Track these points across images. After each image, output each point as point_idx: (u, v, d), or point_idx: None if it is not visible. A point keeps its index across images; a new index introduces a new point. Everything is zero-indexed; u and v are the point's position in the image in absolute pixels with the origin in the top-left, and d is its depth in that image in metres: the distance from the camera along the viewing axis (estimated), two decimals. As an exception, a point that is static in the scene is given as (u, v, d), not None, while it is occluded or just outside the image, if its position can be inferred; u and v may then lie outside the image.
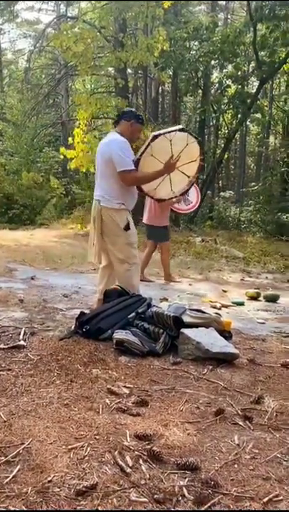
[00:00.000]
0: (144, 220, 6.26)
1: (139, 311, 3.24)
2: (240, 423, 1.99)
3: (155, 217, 6.01)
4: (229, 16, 20.36)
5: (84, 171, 13.58)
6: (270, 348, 3.23)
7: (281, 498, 1.46)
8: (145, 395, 2.26)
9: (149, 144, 3.49)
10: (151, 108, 17.06)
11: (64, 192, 17.11)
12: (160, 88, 19.08)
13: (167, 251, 6.35)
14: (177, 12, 15.73)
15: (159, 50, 11.21)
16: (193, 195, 6.50)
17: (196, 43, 14.85)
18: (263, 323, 4.20)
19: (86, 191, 17.23)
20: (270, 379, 2.60)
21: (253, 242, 12.42)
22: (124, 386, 2.37)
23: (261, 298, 5.37)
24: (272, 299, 5.27)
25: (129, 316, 3.18)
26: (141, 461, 1.66)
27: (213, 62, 14.62)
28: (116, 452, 1.69)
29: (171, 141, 3.53)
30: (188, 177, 3.85)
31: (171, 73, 15.41)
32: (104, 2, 11.92)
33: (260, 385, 2.50)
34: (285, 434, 1.90)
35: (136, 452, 1.71)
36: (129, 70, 16.11)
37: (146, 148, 3.52)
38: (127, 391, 2.31)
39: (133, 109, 3.90)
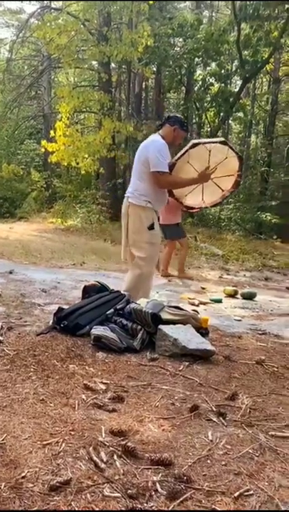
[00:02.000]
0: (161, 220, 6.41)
1: (118, 307, 3.25)
2: (214, 419, 2.03)
3: (167, 215, 6.08)
4: (214, 14, 20.40)
5: (65, 164, 13.49)
6: (245, 345, 3.28)
7: (252, 492, 1.50)
8: (121, 391, 2.28)
9: (187, 151, 3.51)
10: (134, 103, 17.00)
11: (45, 185, 16.95)
12: (144, 83, 19.01)
13: (187, 245, 6.54)
14: (162, 8, 15.69)
15: (144, 45, 11.20)
16: None
17: (181, 40, 14.86)
18: (240, 320, 4.26)
19: (67, 185, 17.13)
20: (245, 376, 2.65)
21: (233, 240, 12.57)
22: (101, 382, 2.38)
23: (238, 295, 5.45)
24: (249, 297, 5.36)
25: (107, 312, 3.19)
26: (115, 457, 1.67)
27: (196, 59, 14.65)
28: (91, 448, 1.70)
29: (210, 151, 3.53)
30: (223, 190, 3.83)
31: (155, 69, 15.39)
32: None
33: (234, 381, 2.54)
34: (257, 430, 1.94)
35: (111, 448, 1.72)
36: (112, 65, 15.99)
37: (183, 154, 3.53)
38: (103, 387, 2.32)
39: (179, 115, 3.92)
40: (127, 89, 16.19)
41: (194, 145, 3.49)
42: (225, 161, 3.58)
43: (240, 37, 12.59)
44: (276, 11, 12.06)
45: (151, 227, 3.58)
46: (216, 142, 3.58)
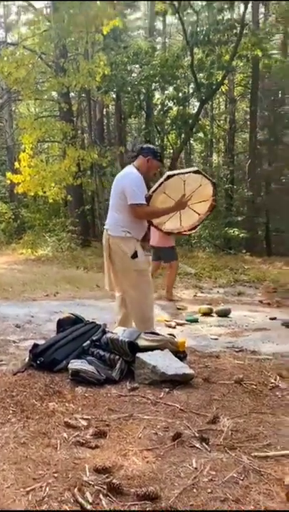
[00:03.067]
0: (151, 242, 6.43)
1: (94, 338, 3.24)
2: (198, 445, 2.04)
3: (161, 239, 6.13)
4: (167, 41, 21.09)
5: (32, 194, 13.48)
6: (223, 365, 3.31)
7: (238, 518, 1.51)
8: (103, 425, 2.26)
9: (162, 183, 3.59)
10: (96, 130, 17.23)
11: (13, 216, 16.83)
12: (104, 110, 19.33)
13: (175, 270, 6.64)
14: (116, 37, 16.11)
15: (101, 74, 11.43)
16: None
17: (137, 66, 15.26)
18: (216, 339, 4.31)
19: (35, 214, 17.06)
20: (225, 397, 2.67)
21: (204, 257, 12.75)
22: (82, 418, 2.35)
23: (214, 313, 5.51)
24: (224, 314, 5.43)
25: (84, 345, 3.17)
26: (101, 496, 1.65)
27: (154, 84, 15.04)
28: (75, 489, 1.68)
29: (184, 181, 3.63)
30: (199, 214, 3.94)
31: (114, 96, 15.70)
32: (43, 29, 12.01)
33: (215, 403, 2.56)
34: (240, 453, 1.96)
35: (96, 487, 1.71)
36: (72, 94, 16.23)
37: (159, 186, 3.61)
38: (84, 423, 2.29)
39: (152, 146, 3.99)
40: (88, 117, 16.41)
41: (169, 177, 3.59)
42: (199, 188, 3.70)
43: (194, 61, 13.02)
44: (226, 36, 12.58)
45: (134, 256, 3.61)
46: (189, 172, 3.70)
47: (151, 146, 3.99)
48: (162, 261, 6.61)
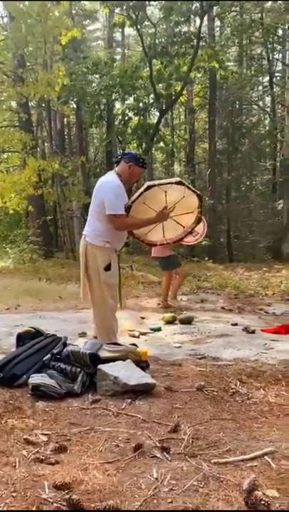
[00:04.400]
0: (152, 253, 6.50)
1: (55, 351, 3.19)
2: (159, 455, 2.04)
3: (156, 248, 6.12)
4: (126, 52, 21.31)
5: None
6: (186, 373, 3.34)
7: (198, 526, 1.52)
8: (64, 440, 2.22)
9: (141, 193, 3.47)
10: (57, 140, 17.12)
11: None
12: (65, 120, 19.26)
13: (169, 279, 6.61)
14: (76, 48, 16.15)
15: (60, 84, 11.41)
16: (200, 227, 6.40)
17: (97, 77, 15.34)
18: (180, 346, 4.33)
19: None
20: (186, 404, 2.69)
21: (167, 265, 12.81)
22: (42, 433, 2.31)
23: (177, 321, 5.54)
24: (187, 321, 5.46)
25: (44, 359, 3.12)
26: (60, 513, 1.62)
27: (114, 95, 15.17)
28: (34, 508, 1.64)
29: (166, 192, 3.52)
30: (184, 227, 3.81)
31: (74, 106, 15.68)
32: (0, 38, 11.89)
33: (176, 412, 2.57)
34: (200, 460, 1.98)
35: (55, 504, 1.67)
36: (31, 104, 16.09)
37: (138, 196, 3.48)
38: (45, 438, 2.25)
39: (134, 152, 3.82)
40: (49, 127, 16.30)
41: (149, 187, 3.48)
42: (183, 199, 3.60)
43: (153, 72, 13.24)
44: (183, 48, 12.87)
45: (107, 268, 3.54)
46: (171, 183, 3.57)
47: (133, 151, 3.86)
48: (172, 270, 6.59)
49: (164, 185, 3.54)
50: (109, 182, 3.58)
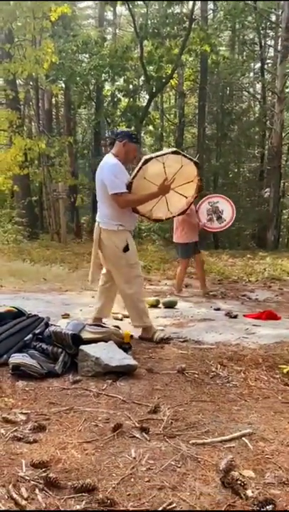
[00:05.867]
0: (174, 239, 6.36)
1: (36, 331, 3.16)
2: (138, 435, 2.04)
3: (178, 235, 6.11)
4: (117, 31, 20.90)
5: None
6: (167, 355, 3.35)
7: (174, 505, 1.53)
8: (43, 419, 2.22)
9: (140, 168, 3.48)
10: (44, 120, 16.82)
11: None
12: (53, 100, 18.91)
13: (185, 267, 6.41)
14: (66, 25, 15.77)
15: (49, 62, 11.14)
16: (228, 213, 6.30)
17: (87, 56, 15.03)
18: (162, 329, 4.33)
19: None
20: (167, 386, 2.70)
21: (153, 250, 12.83)
22: (21, 412, 2.29)
23: (161, 305, 5.55)
24: (171, 305, 5.48)
25: (25, 338, 3.09)
26: (37, 491, 1.62)
27: (104, 75, 14.89)
28: (10, 486, 1.63)
29: (164, 163, 3.52)
30: (186, 197, 3.85)
31: (63, 85, 15.38)
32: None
33: (157, 393, 2.58)
34: (178, 441, 1.99)
35: (32, 482, 1.67)
36: (19, 81, 15.73)
37: (138, 172, 3.50)
38: (23, 417, 2.24)
39: (126, 129, 3.84)
40: (36, 105, 15.98)
41: (146, 161, 3.50)
42: (181, 169, 3.62)
43: (144, 54, 13.01)
44: (175, 29, 12.65)
45: (126, 249, 3.60)
46: (167, 153, 3.59)
47: (125, 129, 3.89)
48: (182, 258, 6.45)
49: (160, 157, 3.56)
50: (106, 163, 3.60)
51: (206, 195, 7.10)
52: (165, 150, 3.77)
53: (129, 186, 3.53)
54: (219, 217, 6.33)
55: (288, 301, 6.20)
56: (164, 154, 3.58)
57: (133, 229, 3.79)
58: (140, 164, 3.52)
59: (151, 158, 3.52)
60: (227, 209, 6.31)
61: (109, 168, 3.53)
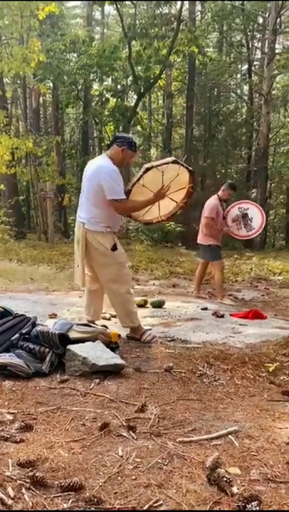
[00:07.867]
0: (197, 239, 6.28)
1: (23, 331, 3.15)
2: (125, 434, 2.05)
3: (202, 236, 6.07)
4: (105, 31, 20.87)
5: None
6: (155, 354, 3.36)
7: (161, 502, 1.54)
8: (30, 419, 2.21)
9: (141, 176, 3.55)
10: (32, 119, 16.72)
11: None
12: (41, 99, 18.80)
13: (218, 270, 6.15)
14: (54, 24, 15.70)
15: (36, 60, 11.08)
16: (257, 221, 5.98)
17: (74, 55, 14.98)
18: (150, 329, 4.34)
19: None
20: (154, 385, 2.71)
21: (141, 250, 12.83)
22: (8, 412, 2.28)
23: (148, 305, 5.56)
24: (158, 305, 5.49)
25: (12, 338, 3.07)
26: (24, 490, 1.61)
27: (92, 75, 14.86)
28: (-3, 485, 1.63)
29: (163, 172, 3.60)
30: (176, 202, 3.94)
31: (50, 84, 15.30)
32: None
33: (144, 392, 2.59)
34: (165, 439, 2.00)
35: (18, 481, 1.66)
36: (6, 80, 15.61)
37: (138, 180, 3.56)
38: (10, 417, 2.23)
39: (127, 135, 3.82)
40: (24, 104, 15.88)
41: (147, 169, 3.57)
42: (177, 177, 3.72)
43: (132, 54, 13.02)
44: (163, 30, 12.69)
45: (114, 248, 3.60)
46: (167, 163, 3.67)
47: (126, 135, 3.88)
48: (202, 259, 6.37)
49: (161, 166, 3.64)
50: (105, 167, 3.57)
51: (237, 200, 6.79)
52: (166, 159, 3.80)
53: (127, 193, 3.60)
54: (247, 225, 6.04)
55: (274, 300, 6.28)
56: (165, 163, 3.67)
57: (117, 231, 3.80)
58: (141, 173, 3.60)
59: (152, 167, 3.60)
60: (257, 217, 6.00)
61: (109, 174, 3.52)
